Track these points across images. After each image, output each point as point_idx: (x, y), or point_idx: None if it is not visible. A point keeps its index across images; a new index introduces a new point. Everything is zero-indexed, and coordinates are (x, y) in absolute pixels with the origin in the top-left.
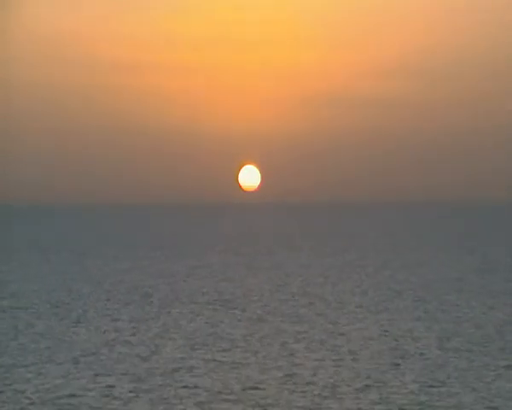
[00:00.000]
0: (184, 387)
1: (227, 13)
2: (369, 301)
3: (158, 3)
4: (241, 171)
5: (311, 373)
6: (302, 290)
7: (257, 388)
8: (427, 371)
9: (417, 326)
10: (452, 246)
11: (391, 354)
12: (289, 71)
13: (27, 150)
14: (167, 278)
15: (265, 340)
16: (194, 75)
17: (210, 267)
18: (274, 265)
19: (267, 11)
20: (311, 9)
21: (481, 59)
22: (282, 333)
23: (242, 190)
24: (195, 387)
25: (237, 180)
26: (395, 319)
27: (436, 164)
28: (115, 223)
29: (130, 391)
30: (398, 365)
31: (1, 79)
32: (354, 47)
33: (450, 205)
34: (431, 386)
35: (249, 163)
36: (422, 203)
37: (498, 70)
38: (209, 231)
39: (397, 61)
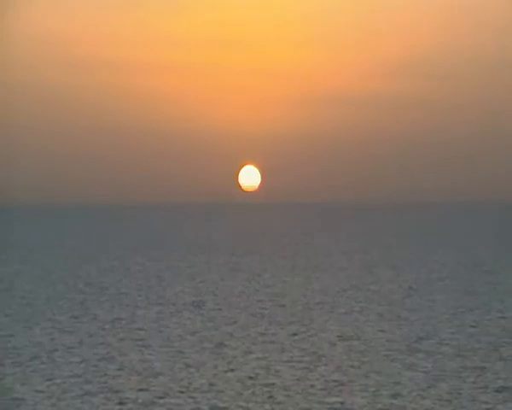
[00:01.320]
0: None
1: (227, 12)
2: (344, 302)
3: (157, 4)
4: (241, 171)
5: (271, 375)
6: (282, 292)
7: (212, 390)
8: (391, 371)
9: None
10: (445, 246)
11: (355, 356)
12: (291, 71)
13: (25, 151)
14: (145, 278)
15: (228, 342)
16: (195, 75)
17: (194, 267)
18: (259, 265)
19: (268, 11)
20: (313, 9)
21: (487, 59)
22: (246, 336)
23: (242, 190)
24: (143, 390)
25: (237, 180)
26: (367, 321)
27: (440, 164)
28: (111, 223)
29: (83, 394)
30: (359, 367)
31: (3, 79)
32: (357, 47)
33: (453, 205)
34: (392, 388)
35: (249, 163)
36: (425, 204)
37: (504, 70)
38: (204, 230)
39: (400, 62)
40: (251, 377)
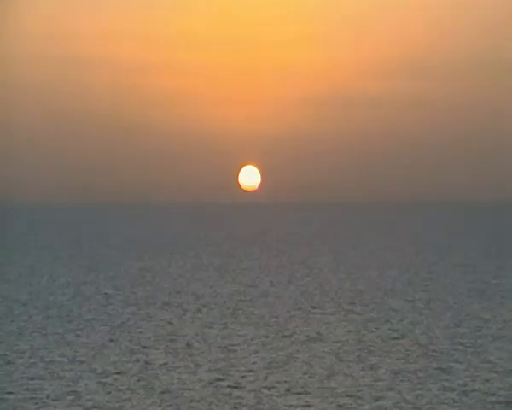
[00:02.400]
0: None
1: (226, 12)
2: (330, 302)
3: (161, 2)
4: (241, 171)
5: (241, 376)
6: (266, 293)
7: (184, 389)
8: (361, 374)
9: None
10: (438, 246)
11: (328, 357)
12: (290, 70)
13: (28, 150)
14: (136, 278)
15: (210, 342)
16: (194, 75)
17: (183, 268)
18: (250, 266)
19: (267, 10)
20: (313, 8)
21: (483, 58)
22: (228, 336)
23: (242, 190)
24: (120, 390)
25: (237, 180)
26: (350, 320)
27: (438, 164)
28: (110, 222)
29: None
30: (333, 368)
31: (4, 79)
32: (356, 46)
33: (450, 205)
34: (360, 391)
35: (249, 163)
36: (424, 203)
37: (501, 69)
38: (200, 230)
39: (400, 61)
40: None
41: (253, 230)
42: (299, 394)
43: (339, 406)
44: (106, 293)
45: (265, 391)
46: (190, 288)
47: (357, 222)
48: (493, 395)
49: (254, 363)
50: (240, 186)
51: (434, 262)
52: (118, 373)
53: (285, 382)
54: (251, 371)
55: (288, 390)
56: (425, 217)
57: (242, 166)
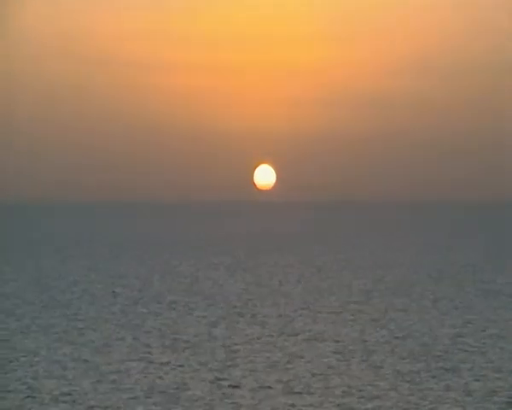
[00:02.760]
0: (115, 389)
1: (241, 11)
2: (333, 302)
3: (174, 1)
4: (256, 170)
5: (243, 375)
6: (275, 291)
7: (184, 388)
8: (366, 372)
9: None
10: (436, 246)
11: (334, 356)
12: (304, 69)
13: (32, 148)
14: (142, 277)
15: (214, 341)
16: (208, 74)
17: (193, 267)
18: (259, 265)
19: (280, 9)
20: (324, 7)
21: (487, 57)
22: (232, 335)
23: (258, 188)
24: (120, 389)
25: (253, 179)
26: (349, 320)
27: (441, 163)
28: (122, 221)
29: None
30: (335, 367)
31: (10, 76)
32: (369, 44)
33: (452, 204)
34: (361, 390)
35: (265, 162)
36: (431, 203)
37: (504, 68)
38: (213, 230)
39: (412, 59)
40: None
41: (267, 228)
42: (299, 393)
43: (338, 405)
44: (114, 291)
45: (265, 391)
46: (199, 287)
47: (371, 221)
48: (495, 394)
49: (255, 362)
50: (255, 185)
51: (445, 262)
52: (119, 372)
53: (286, 381)
54: (253, 370)
55: (289, 390)
56: (433, 216)
57: (258, 165)
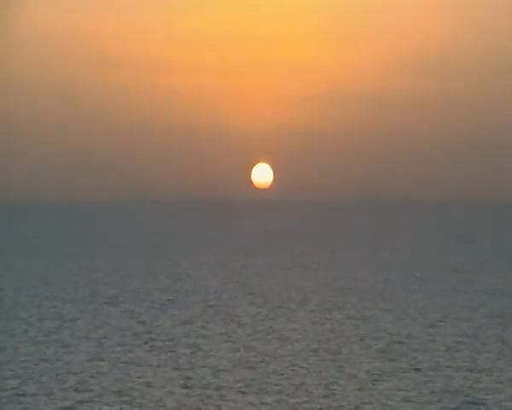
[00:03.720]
0: (76, 390)
1: (240, 11)
2: (313, 300)
3: (173, 1)
4: (253, 169)
5: (209, 374)
6: (254, 291)
7: (146, 388)
8: (331, 371)
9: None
10: (435, 247)
11: (300, 356)
12: (302, 68)
13: (33, 149)
14: (123, 276)
15: (184, 340)
16: (208, 73)
17: (179, 267)
18: (245, 265)
19: (277, 7)
20: (321, 6)
21: (487, 57)
22: (204, 334)
23: (255, 187)
24: (86, 390)
25: (250, 178)
26: (333, 318)
27: (443, 163)
28: (117, 220)
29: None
30: (302, 367)
31: (10, 76)
32: (367, 44)
33: (453, 205)
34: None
35: (262, 161)
36: (430, 203)
37: (505, 69)
38: (207, 229)
39: (408, 59)
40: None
41: (262, 227)
42: (257, 393)
43: (294, 406)
44: (91, 293)
45: (229, 390)
46: (179, 285)
47: (367, 220)
48: (461, 394)
49: (223, 361)
50: (252, 184)
51: (433, 263)
52: (81, 373)
53: (250, 380)
54: (219, 370)
55: (249, 389)
56: (431, 217)
57: (255, 164)
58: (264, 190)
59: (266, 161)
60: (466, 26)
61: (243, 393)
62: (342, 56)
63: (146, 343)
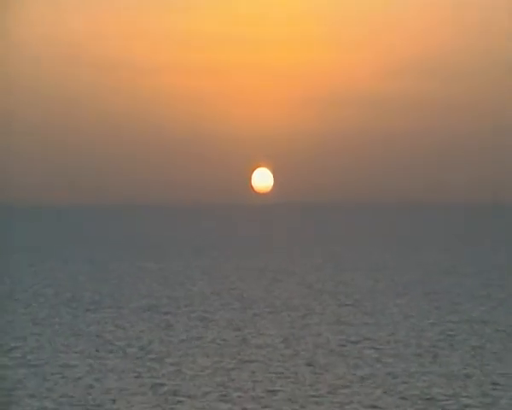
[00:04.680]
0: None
1: (240, 12)
2: (300, 304)
3: (170, 2)
4: (253, 173)
5: (178, 381)
6: (243, 296)
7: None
8: (308, 378)
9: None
10: (434, 248)
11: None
12: (306, 71)
13: (34, 151)
14: (108, 279)
15: (169, 346)
16: (207, 75)
17: (168, 271)
18: (231, 269)
19: (277, 9)
20: (322, 8)
21: (488, 58)
22: (191, 340)
23: (255, 192)
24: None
25: (250, 182)
26: (310, 324)
27: (446, 165)
28: (113, 223)
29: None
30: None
31: (10, 78)
32: (368, 46)
33: (454, 207)
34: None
35: (262, 165)
36: (432, 205)
37: (507, 69)
38: (204, 233)
39: (410, 61)
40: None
41: (259, 232)
42: (228, 401)
43: None
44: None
45: (197, 399)
46: (161, 291)
47: (368, 224)
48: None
49: (193, 368)
50: (252, 188)
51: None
52: (26, 378)
53: (222, 388)
54: (188, 377)
55: (224, 397)
56: (435, 219)
57: (255, 168)
58: (265, 194)
59: (266, 166)
60: (467, 27)
61: (215, 401)
62: (343, 58)
63: (115, 351)
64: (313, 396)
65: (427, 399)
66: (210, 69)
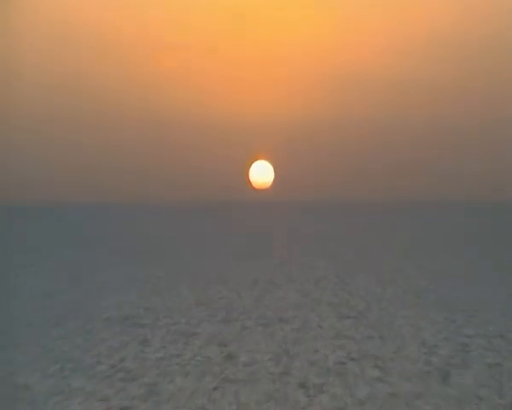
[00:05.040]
0: None
1: None
2: (295, 315)
3: None
4: (252, 167)
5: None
6: (232, 306)
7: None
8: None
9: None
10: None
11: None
12: (310, 52)
13: (37, 143)
14: (84, 289)
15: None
16: (203, 57)
17: (149, 276)
18: (223, 275)
19: None
20: None
21: (498, 41)
22: (169, 357)
23: (254, 188)
24: None
25: (248, 177)
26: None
27: (454, 157)
28: (104, 223)
29: None
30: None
31: (12, 69)
32: (371, 27)
33: (451, 204)
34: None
35: (261, 158)
36: (445, 202)
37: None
38: (193, 233)
39: (418, 41)
40: None
41: (256, 231)
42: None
43: None
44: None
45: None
46: (139, 300)
47: (372, 223)
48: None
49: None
50: (250, 184)
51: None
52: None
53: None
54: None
55: None
56: (440, 217)
57: (254, 161)
58: (265, 190)
59: (266, 158)
60: (478, 8)
61: None
62: (345, 38)
63: (81, 369)
64: None
65: None
66: (207, 50)
